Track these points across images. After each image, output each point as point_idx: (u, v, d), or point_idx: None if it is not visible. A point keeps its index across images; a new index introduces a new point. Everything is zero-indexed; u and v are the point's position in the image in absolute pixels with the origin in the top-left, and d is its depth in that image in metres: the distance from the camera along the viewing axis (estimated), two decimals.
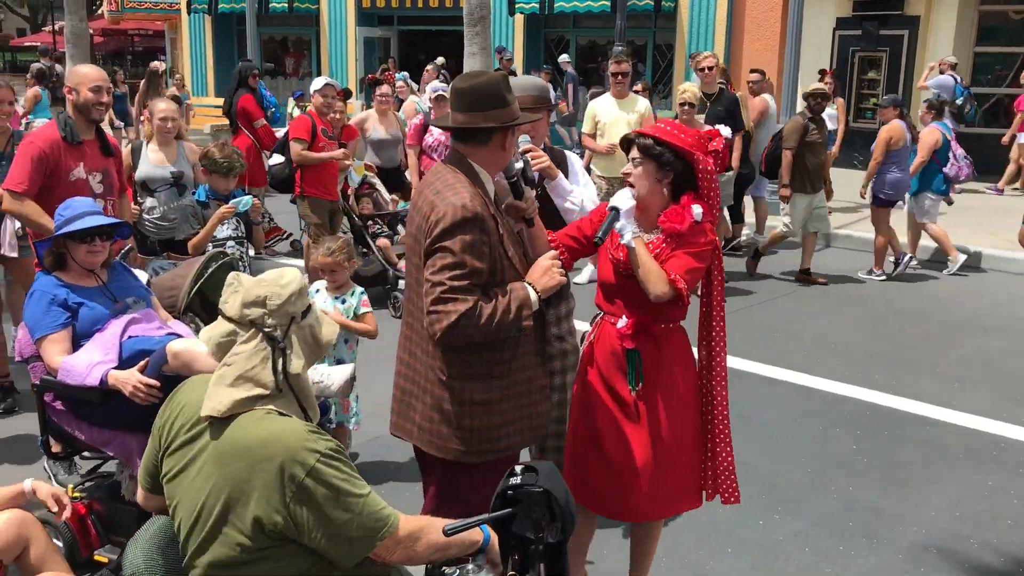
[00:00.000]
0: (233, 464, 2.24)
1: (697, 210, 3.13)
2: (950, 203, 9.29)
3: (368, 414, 4.77)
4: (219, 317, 2.39)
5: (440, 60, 15.13)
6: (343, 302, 4.63)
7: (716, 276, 3.26)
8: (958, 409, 5.71)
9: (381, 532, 2.24)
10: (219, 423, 2.29)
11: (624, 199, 3.14)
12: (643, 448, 3.21)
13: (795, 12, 11.14)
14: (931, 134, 8.91)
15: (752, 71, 10.17)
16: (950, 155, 8.81)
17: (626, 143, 3.26)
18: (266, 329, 2.32)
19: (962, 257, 9.15)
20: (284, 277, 2.37)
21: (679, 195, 3.17)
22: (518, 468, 2.13)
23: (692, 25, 17.24)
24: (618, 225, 3.11)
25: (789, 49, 11.32)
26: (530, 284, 2.85)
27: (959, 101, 12.51)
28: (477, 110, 2.83)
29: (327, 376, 3.78)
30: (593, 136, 8.38)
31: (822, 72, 12.44)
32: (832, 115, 11.74)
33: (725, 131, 3.15)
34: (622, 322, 3.21)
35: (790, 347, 6.89)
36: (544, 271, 2.88)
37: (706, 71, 8.80)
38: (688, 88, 7.85)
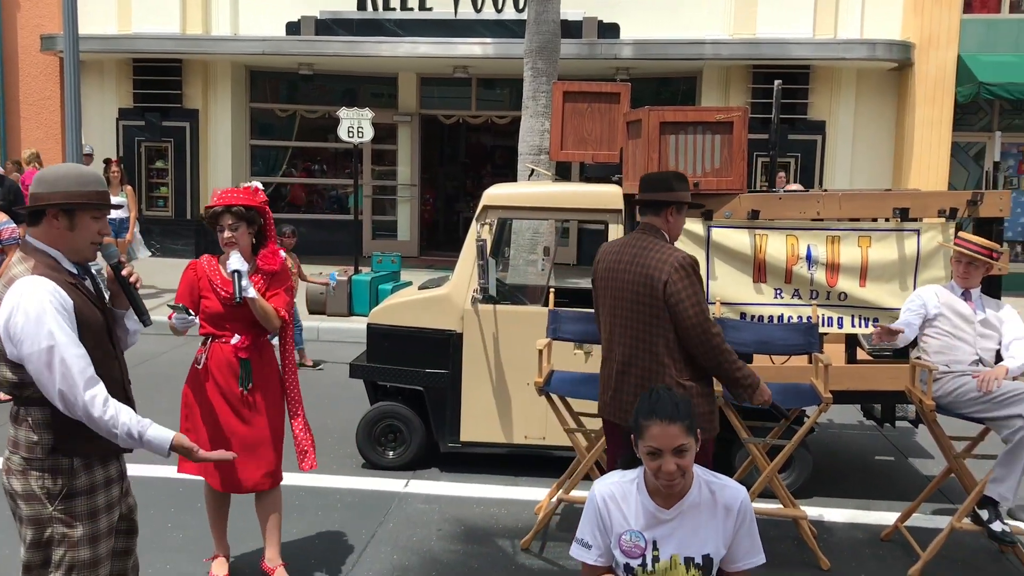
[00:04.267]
0: None
1: (283, 254, 4.37)
2: None
3: None
4: None
5: None
6: None
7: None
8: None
9: None
10: None
11: (239, 261, 4.11)
12: (263, 430, 4.30)
13: (72, 101, 10.93)
14: None
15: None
16: None
17: (213, 215, 4.16)
18: None
19: None
20: None
21: (259, 240, 4.31)
22: None
23: None
24: (244, 283, 4.10)
25: (69, 137, 11.05)
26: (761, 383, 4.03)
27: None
28: (649, 191, 4.07)
29: None
30: None
31: (107, 161, 12.28)
32: (123, 203, 11.76)
33: (259, 184, 4.35)
34: (236, 339, 4.25)
35: None
36: (766, 392, 3.99)
37: None
38: None
